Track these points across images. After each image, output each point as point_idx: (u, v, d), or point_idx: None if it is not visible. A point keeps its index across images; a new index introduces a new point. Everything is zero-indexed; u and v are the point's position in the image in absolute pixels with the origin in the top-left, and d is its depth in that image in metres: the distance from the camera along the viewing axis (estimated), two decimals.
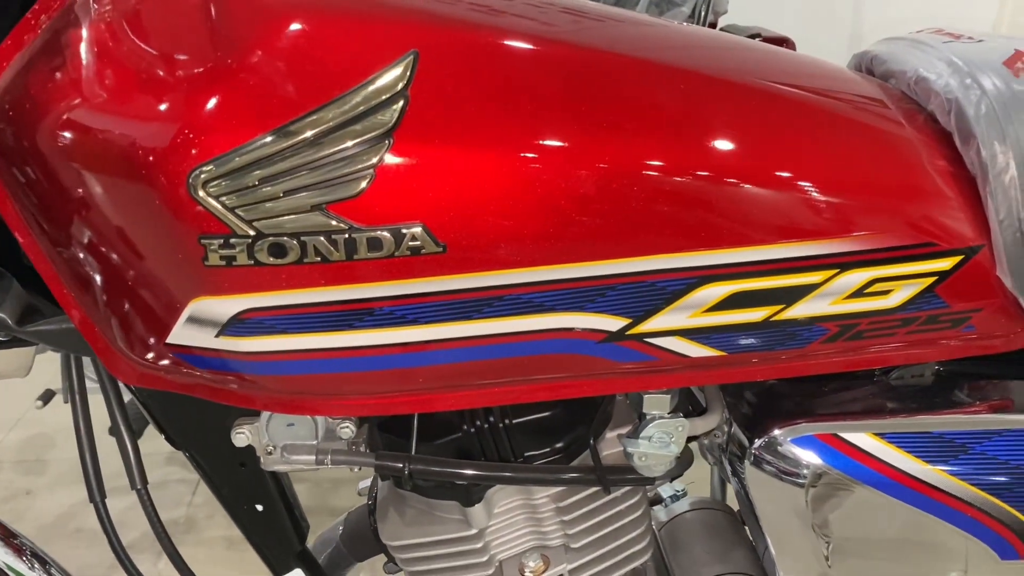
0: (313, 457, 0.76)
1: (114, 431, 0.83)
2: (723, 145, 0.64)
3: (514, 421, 0.78)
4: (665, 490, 1.11)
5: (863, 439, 0.71)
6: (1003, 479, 0.70)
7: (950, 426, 0.71)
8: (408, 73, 0.58)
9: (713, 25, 1.84)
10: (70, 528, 1.92)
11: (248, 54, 0.58)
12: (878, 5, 3.00)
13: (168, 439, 0.84)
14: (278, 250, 0.58)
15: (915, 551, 0.75)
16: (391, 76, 0.57)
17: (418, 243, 0.58)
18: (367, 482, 0.97)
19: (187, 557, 0.90)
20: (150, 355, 0.67)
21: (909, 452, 0.70)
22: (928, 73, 0.72)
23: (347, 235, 0.58)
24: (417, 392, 0.67)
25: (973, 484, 0.70)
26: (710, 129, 0.64)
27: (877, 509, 0.72)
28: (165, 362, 0.68)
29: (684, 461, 0.83)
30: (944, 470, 0.70)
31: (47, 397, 1.93)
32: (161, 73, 0.59)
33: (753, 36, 1.80)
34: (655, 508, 1.04)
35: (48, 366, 0.99)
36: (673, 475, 0.82)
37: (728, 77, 0.68)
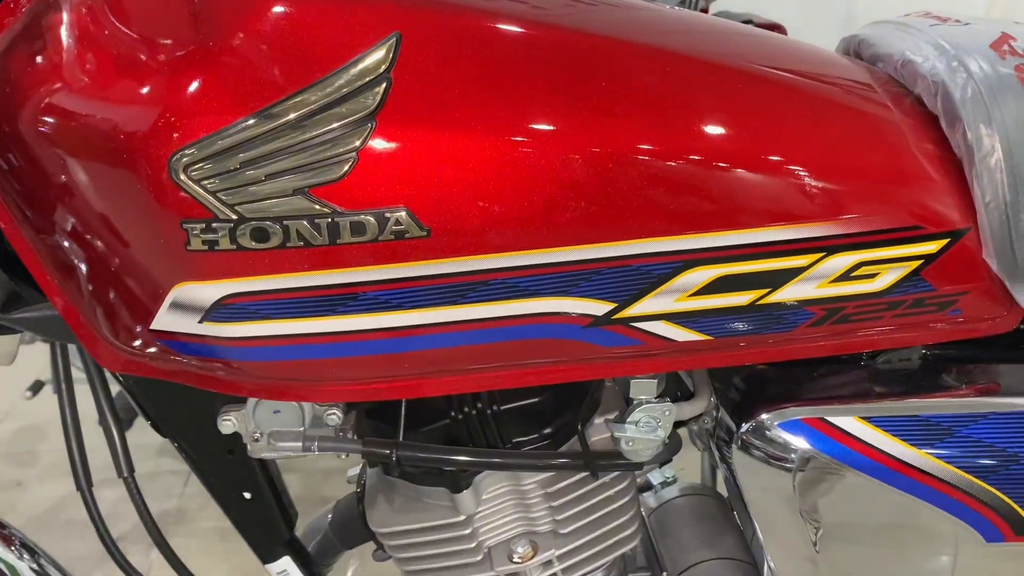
0: (300, 444, 0.75)
1: (100, 420, 0.82)
2: (708, 128, 0.64)
3: (502, 407, 0.78)
4: (655, 476, 1.11)
5: (850, 423, 0.71)
6: (989, 462, 0.70)
7: (936, 409, 0.71)
8: (391, 55, 0.57)
9: (705, 11, 1.84)
10: (61, 520, 1.92)
11: (230, 36, 0.57)
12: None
13: (155, 427, 0.83)
14: (261, 234, 0.58)
15: (902, 534, 0.75)
16: (374, 58, 0.57)
17: (402, 227, 0.58)
18: (356, 470, 0.97)
19: (179, 548, 0.90)
20: (135, 342, 0.67)
21: (896, 436, 0.70)
22: (915, 56, 0.72)
23: (330, 219, 0.57)
24: (403, 378, 0.67)
25: (959, 467, 0.70)
26: (695, 112, 0.64)
27: (864, 493, 0.72)
28: (150, 349, 0.67)
29: (673, 446, 0.83)
30: (930, 453, 0.70)
31: (36, 388, 1.92)
32: (142, 57, 0.59)
33: (745, 22, 1.80)
34: (645, 494, 1.04)
35: (38, 357, 0.98)
36: (662, 460, 0.83)
37: (714, 60, 0.67)
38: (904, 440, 0.70)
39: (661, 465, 0.95)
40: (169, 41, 0.58)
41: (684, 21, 0.76)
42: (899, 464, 0.70)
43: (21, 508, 1.97)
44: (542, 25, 0.63)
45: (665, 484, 1.07)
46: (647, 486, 1.09)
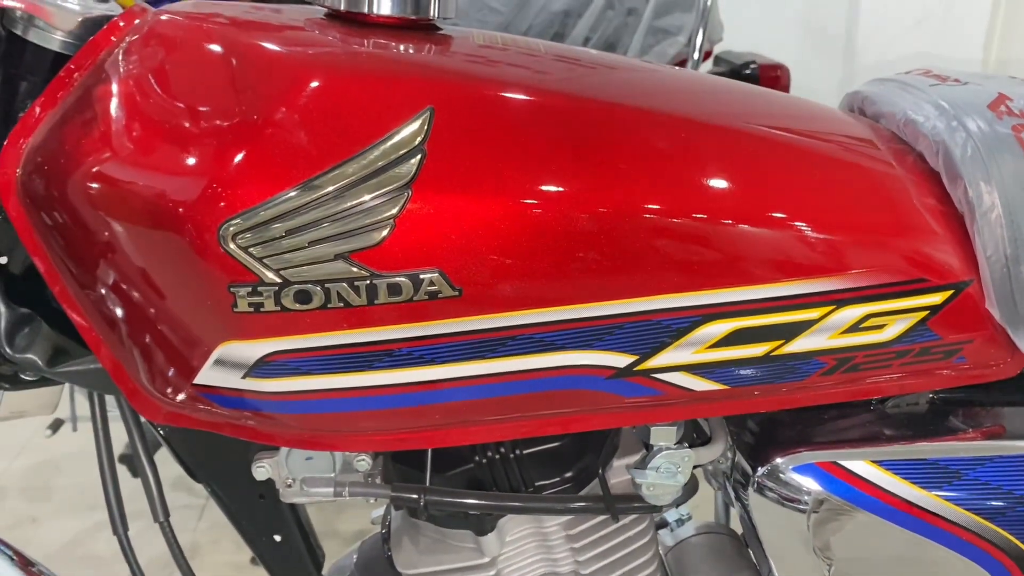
0: (331, 490, 0.78)
1: (137, 467, 0.85)
2: (722, 189, 0.67)
3: (525, 452, 0.81)
4: (671, 515, 1.14)
5: (861, 466, 0.73)
6: (997, 504, 0.72)
7: (945, 453, 0.74)
8: (425, 128, 0.61)
9: (709, 53, 1.89)
10: (76, 555, 1.93)
11: (272, 110, 0.61)
12: (870, 25, 3.04)
13: (189, 473, 0.86)
14: (303, 296, 0.61)
15: (914, 574, 0.77)
16: (409, 131, 0.61)
17: (435, 288, 0.62)
18: (380, 511, 0.99)
19: None
20: (177, 395, 0.70)
21: (905, 478, 0.73)
22: (916, 116, 0.76)
23: (368, 281, 0.61)
24: (433, 428, 0.70)
25: (968, 509, 0.72)
26: (709, 174, 0.67)
27: (876, 534, 0.75)
28: (191, 401, 0.70)
29: (690, 488, 0.86)
30: (939, 495, 0.72)
31: (56, 426, 1.95)
32: (188, 126, 0.62)
33: (748, 63, 1.85)
34: (661, 532, 1.07)
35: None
36: (679, 502, 0.85)
37: (724, 122, 0.71)
38: (914, 483, 0.73)
39: (677, 505, 0.97)
40: (214, 112, 0.62)
41: (694, 83, 0.80)
42: (909, 506, 0.73)
43: (36, 543, 1.99)
44: (563, 95, 0.67)
45: (680, 522, 1.10)
46: (663, 524, 1.11)
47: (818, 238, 0.68)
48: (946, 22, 2.71)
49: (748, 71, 1.77)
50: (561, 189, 0.63)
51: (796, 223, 0.67)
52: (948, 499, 0.72)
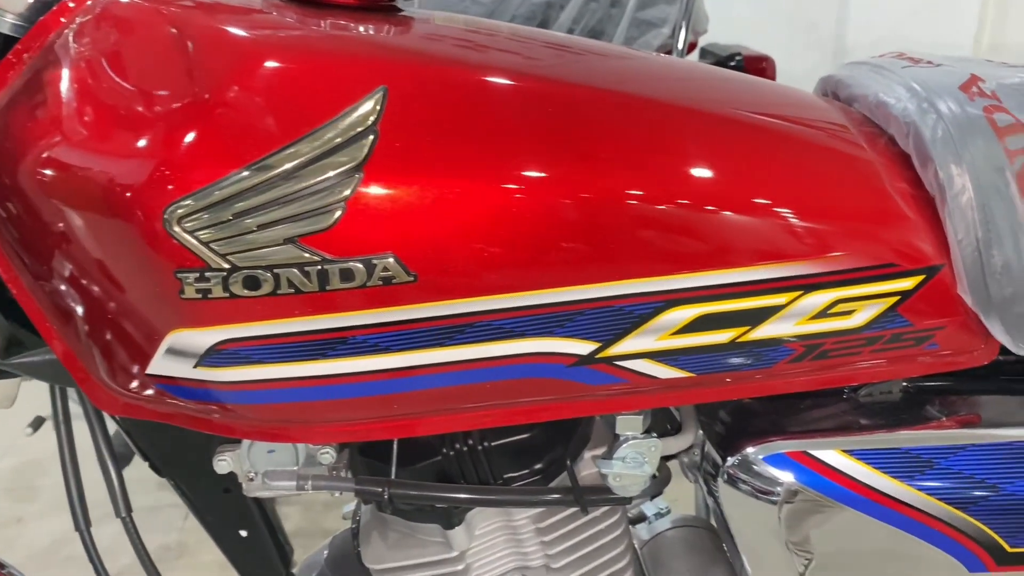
0: (294, 483, 0.77)
1: (99, 460, 0.84)
2: (686, 172, 0.66)
3: (492, 444, 0.79)
4: (649, 508, 1.12)
5: (832, 456, 0.72)
6: (969, 493, 0.71)
7: (917, 442, 0.72)
8: (378, 108, 0.59)
9: (693, 45, 1.88)
10: (61, 556, 1.92)
11: (222, 91, 0.59)
12: (860, 20, 3.03)
13: (152, 466, 0.85)
14: (252, 282, 0.60)
15: (886, 565, 0.76)
16: (362, 111, 0.59)
17: (389, 273, 0.60)
18: (352, 506, 0.98)
19: None
20: (132, 385, 0.69)
21: (877, 468, 0.71)
22: (887, 98, 0.74)
23: (320, 267, 0.59)
24: (393, 418, 0.68)
25: (940, 498, 0.71)
26: (674, 157, 0.66)
27: (848, 525, 0.73)
28: (147, 392, 0.69)
29: (662, 480, 0.84)
30: (911, 485, 0.71)
31: (37, 424, 1.93)
32: (139, 109, 0.61)
33: (733, 55, 1.84)
34: (639, 526, 1.05)
35: (39, 393, 1.00)
36: (651, 494, 0.84)
37: (692, 105, 0.70)
38: (885, 472, 0.71)
39: (652, 497, 0.96)
40: (165, 94, 0.61)
41: (663, 67, 0.79)
42: (881, 496, 0.71)
43: (21, 544, 1.97)
44: (523, 76, 0.66)
45: (659, 515, 1.08)
46: (641, 517, 1.10)
47: (784, 222, 0.66)
48: (937, 12, 2.71)
49: (733, 63, 1.75)
50: (520, 172, 0.62)
51: (762, 207, 0.66)
52: (920, 488, 0.71)
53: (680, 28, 1.66)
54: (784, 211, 0.66)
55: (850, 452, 0.72)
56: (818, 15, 3.04)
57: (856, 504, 0.72)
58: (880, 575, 0.77)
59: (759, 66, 1.75)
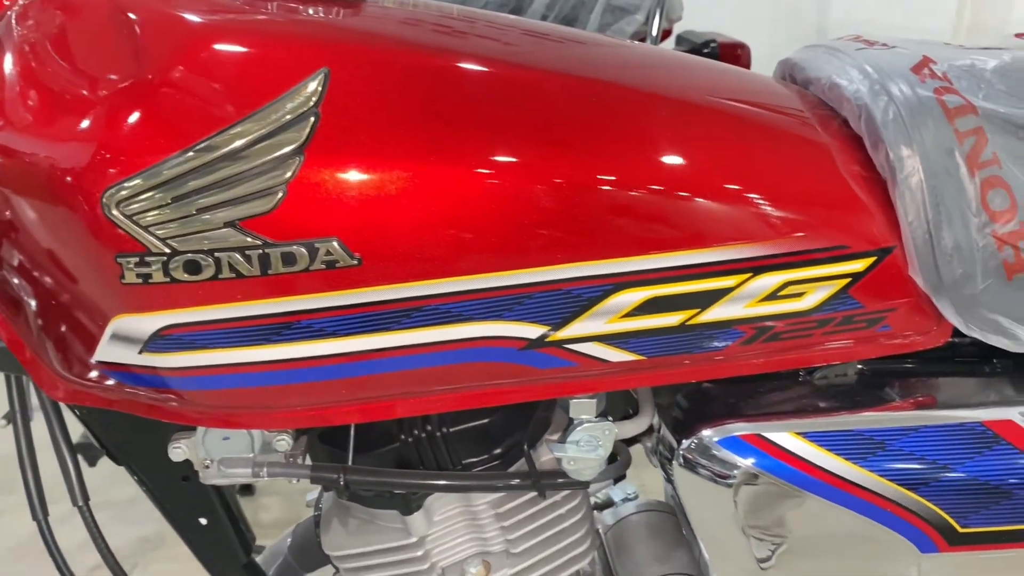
0: (250, 470, 0.76)
1: (55, 449, 0.83)
2: (635, 154, 0.65)
3: (451, 430, 0.79)
4: (616, 493, 1.12)
5: (786, 438, 0.72)
6: (921, 474, 0.71)
7: (869, 424, 0.72)
8: (320, 90, 0.59)
9: (668, 32, 1.87)
10: (40, 547, 1.91)
11: (162, 73, 0.59)
12: (842, 6, 3.03)
13: (110, 455, 0.84)
14: (193, 267, 0.59)
15: (841, 548, 0.76)
16: (302, 93, 0.59)
17: (333, 257, 0.60)
18: (315, 493, 0.98)
19: (158, 573, 0.90)
20: (81, 372, 0.68)
21: (830, 450, 0.72)
22: (840, 80, 0.74)
23: (261, 251, 0.59)
24: (343, 404, 0.68)
25: (892, 480, 0.71)
26: (624, 140, 0.66)
27: (801, 507, 0.73)
28: (96, 379, 0.68)
29: (622, 464, 0.84)
30: (864, 467, 0.71)
31: (11, 416, 1.92)
32: (83, 92, 0.60)
33: (708, 42, 1.83)
34: (605, 512, 1.06)
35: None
36: (610, 477, 0.84)
37: (643, 88, 0.69)
38: (838, 454, 0.71)
39: (616, 482, 0.96)
40: (109, 76, 0.60)
41: (620, 52, 0.79)
42: (834, 478, 0.71)
43: (0, 536, 1.97)
44: (469, 59, 0.65)
45: (627, 501, 1.09)
46: (609, 503, 1.10)
47: (732, 205, 0.66)
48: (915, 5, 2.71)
49: (708, 50, 1.75)
50: (464, 155, 0.61)
51: (711, 189, 0.66)
52: (872, 470, 0.71)
53: (654, 15, 1.65)
54: (731, 194, 0.66)
55: (803, 434, 0.72)
56: (799, 2, 3.03)
57: (809, 486, 0.72)
58: (834, 557, 0.77)
59: (734, 53, 1.74)
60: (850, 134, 0.72)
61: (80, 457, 0.89)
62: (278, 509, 2.03)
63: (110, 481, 0.83)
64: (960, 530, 0.71)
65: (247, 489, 2.10)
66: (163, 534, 1.99)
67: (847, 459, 0.72)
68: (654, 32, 1.63)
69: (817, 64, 0.79)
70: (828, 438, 0.72)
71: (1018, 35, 0.93)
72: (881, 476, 0.71)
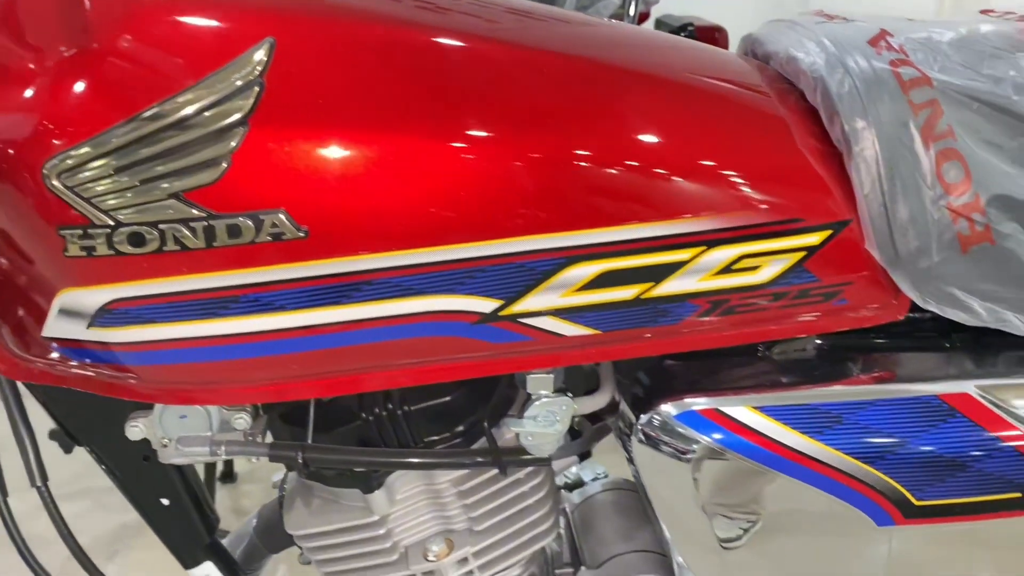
0: (207, 449, 0.76)
1: (13, 430, 0.83)
2: (589, 127, 0.65)
3: (412, 407, 0.79)
4: (587, 473, 1.12)
5: (743, 413, 0.72)
6: (877, 447, 0.71)
7: (826, 398, 0.72)
8: (265, 59, 0.58)
9: (645, 15, 1.86)
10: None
11: (105, 41, 0.58)
12: None
13: (69, 436, 0.84)
14: (137, 239, 0.59)
15: (799, 522, 0.76)
16: (247, 63, 0.58)
17: (279, 229, 0.59)
18: (280, 474, 0.97)
19: (141, 561, 0.89)
20: (33, 350, 0.68)
21: (786, 424, 0.71)
22: (798, 53, 0.74)
23: (206, 222, 0.58)
24: (295, 380, 0.68)
25: (848, 453, 0.71)
26: (577, 112, 0.65)
27: (760, 483, 0.73)
28: (48, 356, 0.68)
29: (585, 440, 0.84)
30: (820, 440, 0.71)
31: None
32: (28, 64, 0.59)
33: (685, 26, 1.82)
34: (575, 492, 1.05)
35: None
36: (571, 454, 0.84)
37: (599, 60, 0.69)
38: (794, 428, 0.71)
39: (581, 459, 0.96)
40: (53, 47, 0.59)
41: (579, 26, 0.78)
42: (791, 452, 0.71)
43: None
44: (418, 30, 0.64)
45: (596, 480, 1.09)
46: (579, 483, 1.10)
47: (687, 178, 0.66)
48: None
49: (685, 33, 1.74)
50: (413, 126, 0.61)
51: (663, 163, 0.65)
52: (828, 444, 0.71)
53: None
54: (686, 167, 0.66)
55: (761, 409, 0.72)
56: None
57: (766, 460, 0.72)
58: (794, 533, 0.77)
59: (711, 36, 1.73)
60: (807, 107, 0.72)
61: (59, 445, 0.89)
62: (260, 495, 2.03)
63: (90, 469, 0.83)
64: (916, 503, 0.72)
65: (228, 476, 2.10)
66: (143, 521, 1.99)
67: (804, 433, 0.72)
68: (631, 14, 1.62)
69: (776, 38, 0.79)
70: (785, 412, 0.72)
71: (984, 11, 0.92)
72: (837, 450, 0.71)
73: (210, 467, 1.94)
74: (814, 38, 0.74)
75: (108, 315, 0.62)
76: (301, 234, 0.60)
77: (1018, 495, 0.71)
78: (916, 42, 0.72)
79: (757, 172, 0.68)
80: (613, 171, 0.64)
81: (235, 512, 2.11)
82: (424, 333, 0.66)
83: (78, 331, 0.64)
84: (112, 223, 0.58)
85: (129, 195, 0.58)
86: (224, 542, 0.97)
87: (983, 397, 0.71)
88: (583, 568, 0.89)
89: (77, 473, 0.83)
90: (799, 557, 0.78)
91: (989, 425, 0.71)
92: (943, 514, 0.72)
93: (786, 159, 0.69)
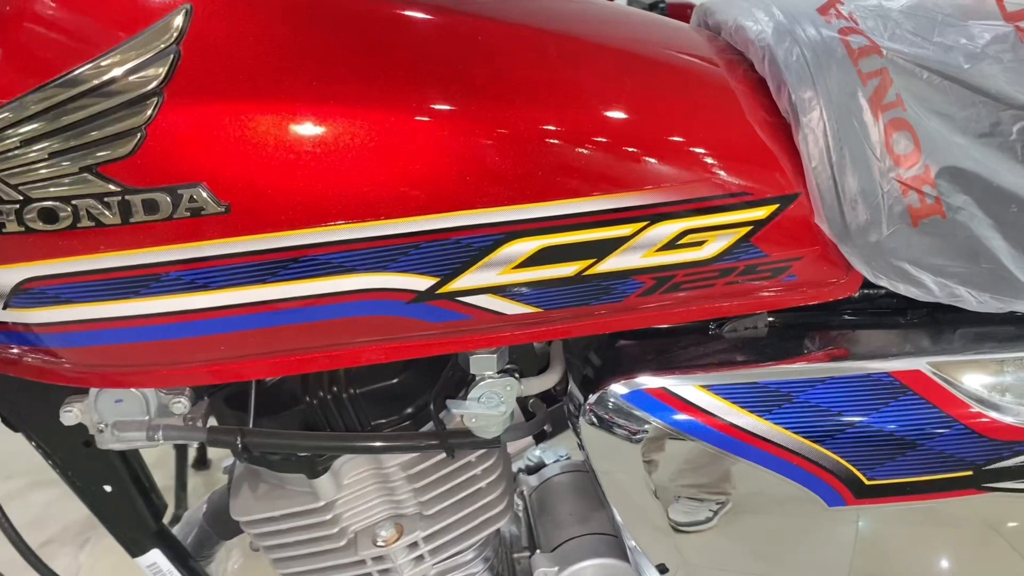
0: (144, 434, 0.74)
1: None
2: (526, 97, 0.63)
3: (358, 390, 0.77)
4: (548, 456, 1.11)
5: (691, 392, 0.70)
6: (827, 426, 0.70)
7: (775, 376, 0.71)
8: (181, 26, 0.56)
9: None
10: None
11: (19, 6, 0.55)
12: None
13: (8, 424, 0.81)
14: (49, 215, 0.56)
15: (749, 504, 0.75)
16: (162, 30, 0.55)
17: (198, 204, 0.57)
18: (230, 460, 0.95)
19: (108, 549, 0.86)
20: None
21: (735, 403, 0.70)
22: (746, 22, 0.71)
23: (120, 197, 0.56)
24: (222, 361, 0.65)
25: (798, 432, 0.70)
26: (513, 81, 0.63)
27: (710, 463, 0.72)
28: None
29: (537, 422, 0.82)
30: (769, 420, 0.70)
31: None
32: None
33: (657, 3, 1.79)
34: (533, 476, 1.04)
35: None
36: (521, 435, 0.82)
37: (542, 27, 0.67)
38: (744, 407, 0.70)
39: (539, 441, 0.94)
40: None
41: None
42: (739, 432, 0.70)
43: None
44: None
45: (557, 463, 1.07)
46: (541, 465, 1.08)
47: (628, 150, 0.63)
48: None
49: (657, 10, 1.71)
50: (340, 95, 0.59)
51: (606, 134, 0.63)
52: (777, 423, 0.70)
53: None
54: (626, 139, 0.63)
55: (709, 388, 0.71)
56: None
57: (714, 440, 0.70)
58: (745, 514, 0.76)
59: (683, 13, 1.71)
60: (755, 78, 0.70)
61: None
62: None
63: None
64: (867, 482, 0.70)
65: (202, 463, 2.08)
66: None
67: (753, 412, 0.70)
68: None
69: (725, 7, 0.77)
70: (734, 391, 0.70)
71: None
72: (787, 429, 0.70)
73: (181, 453, 1.92)
74: (763, 6, 0.72)
75: (24, 295, 0.60)
76: (222, 209, 0.57)
77: (969, 473, 0.70)
78: (866, 9, 0.70)
79: (702, 145, 0.65)
80: (551, 143, 0.62)
81: None
82: (357, 312, 0.64)
83: None
84: (21, 198, 0.56)
85: (38, 169, 0.55)
86: (174, 529, 0.95)
87: (935, 374, 0.70)
88: (538, 551, 0.88)
89: (43, 463, 0.81)
90: (753, 539, 0.77)
91: (941, 403, 0.69)
92: (894, 493, 0.71)
93: (733, 131, 0.67)
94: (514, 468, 1.04)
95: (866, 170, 0.66)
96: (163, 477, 1.76)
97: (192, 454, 2.05)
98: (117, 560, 0.89)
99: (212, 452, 2.12)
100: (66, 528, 1.91)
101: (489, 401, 0.73)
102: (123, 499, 0.85)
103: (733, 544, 0.77)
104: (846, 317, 0.77)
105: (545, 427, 0.85)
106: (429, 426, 0.80)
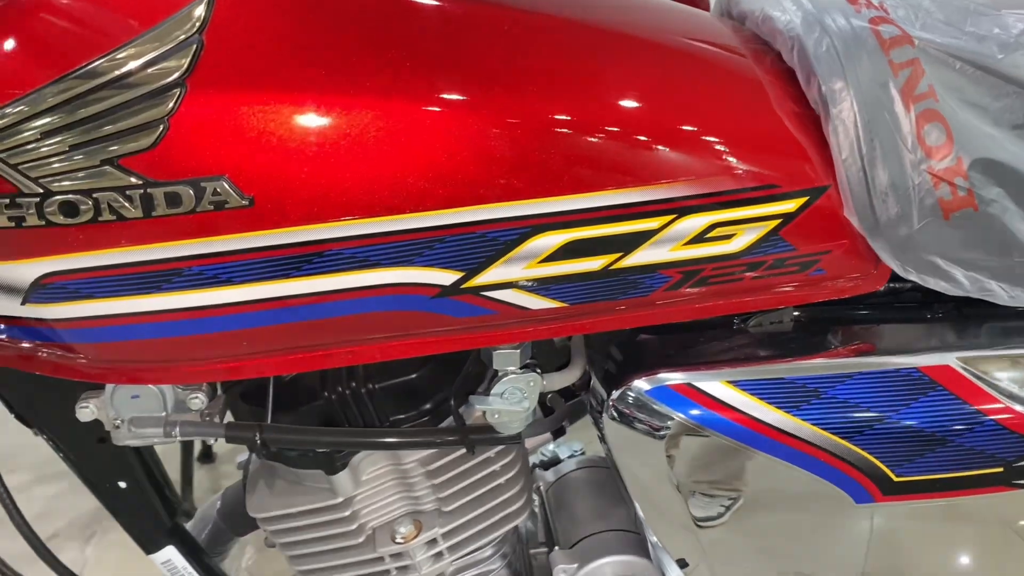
0: (161, 430, 0.73)
1: None
2: (553, 89, 0.61)
3: (377, 385, 0.76)
4: (563, 451, 1.10)
5: (717, 388, 0.69)
6: (855, 422, 0.69)
7: (802, 371, 0.70)
8: (204, 15, 0.54)
9: None
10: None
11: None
12: None
13: (21, 420, 0.80)
14: (70, 209, 0.55)
15: (775, 500, 0.74)
16: (184, 19, 0.54)
17: (221, 197, 0.56)
18: (245, 456, 0.94)
19: (115, 542, 0.86)
20: None
21: (762, 399, 0.69)
22: (774, 12, 0.70)
23: (143, 190, 0.55)
24: (246, 357, 0.64)
25: (826, 428, 0.69)
26: (540, 74, 0.62)
27: (735, 459, 0.71)
28: None
29: (557, 417, 0.82)
30: (796, 416, 0.69)
31: None
32: None
33: None
34: (549, 470, 1.03)
35: None
36: (542, 431, 0.81)
37: (567, 18, 0.65)
38: (770, 403, 0.69)
39: (556, 436, 0.94)
40: None
41: None
42: (766, 428, 0.69)
43: None
44: None
45: (572, 457, 1.06)
46: (555, 460, 1.08)
47: (657, 143, 0.62)
48: None
49: None
50: (366, 87, 0.57)
51: (630, 127, 0.62)
52: (805, 419, 0.69)
53: None
54: (655, 131, 0.62)
55: (736, 383, 0.70)
56: None
57: (741, 436, 0.69)
58: (771, 511, 0.75)
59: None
60: (784, 69, 0.69)
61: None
62: (239, 476, 2.00)
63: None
64: (895, 479, 0.69)
65: (207, 456, 2.07)
66: None
67: (780, 408, 0.69)
68: None
69: None
70: (761, 387, 0.70)
71: None
72: (815, 425, 0.69)
73: (187, 447, 1.91)
74: None
75: (43, 290, 0.59)
76: (245, 202, 0.56)
77: (999, 470, 0.69)
78: None
79: (731, 136, 0.64)
80: (578, 136, 0.61)
81: (213, 493, 2.09)
82: (381, 308, 0.63)
83: (12, 308, 0.60)
84: (42, 191, 0.54)
85: (59, 162, 0.54)
86: (188, 526, 0.94)
87: (965, 369, 0.69)
88: (556, 548, 0.87)
89: (52, 456, 0.81)
90: (776, 535, 0.76)
91: (971, 398, 0.69)
92: (923, 490, 0.70)
93: (761, 123, 0.66)
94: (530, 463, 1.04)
95: (897, 162, 0.64)
96: (168, 470, 1.77)
97: (197, 447, 2.04)
98: (123, 554, 0.88)
99: (218, 446, 2.11)
100: (72, 522, 1.91)
101: (512, 397, 0.73)
102: (138, 495, 0.84)
103: (757, 541, 0.76)
104: (872, 311, 0.76)
105: (564, 423, 0.84)
106: (448, 422, 0.79)
